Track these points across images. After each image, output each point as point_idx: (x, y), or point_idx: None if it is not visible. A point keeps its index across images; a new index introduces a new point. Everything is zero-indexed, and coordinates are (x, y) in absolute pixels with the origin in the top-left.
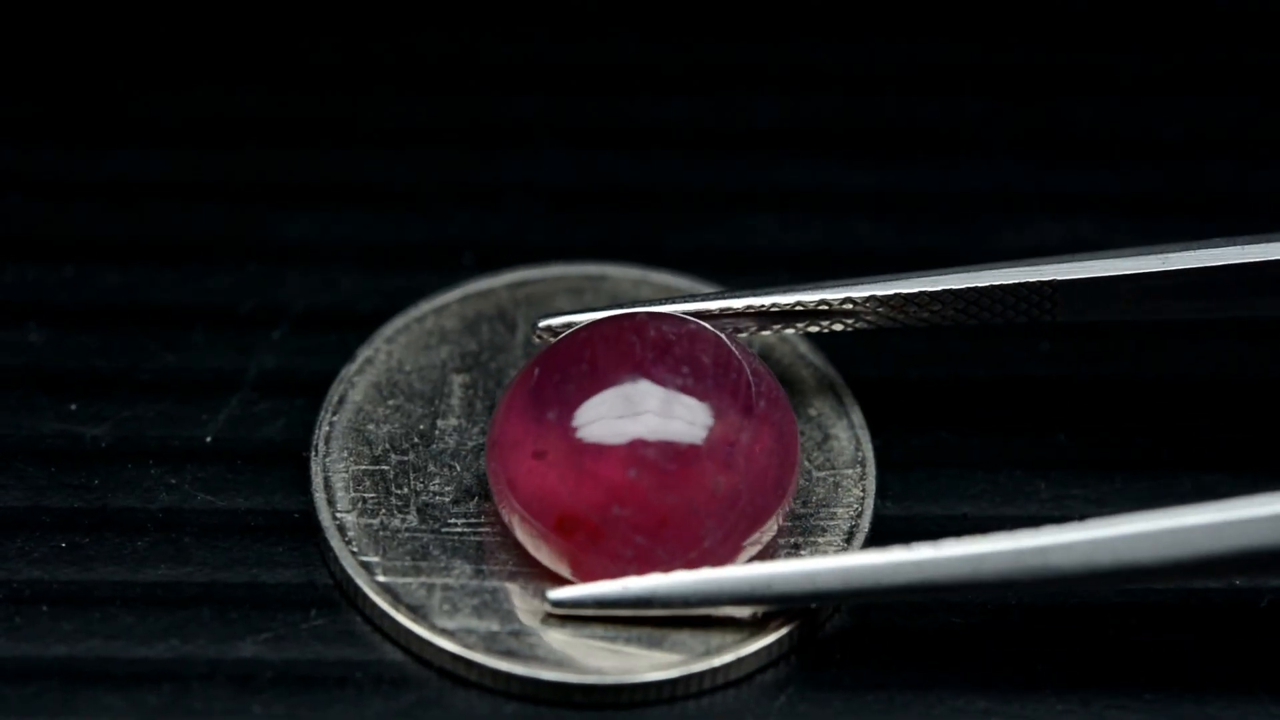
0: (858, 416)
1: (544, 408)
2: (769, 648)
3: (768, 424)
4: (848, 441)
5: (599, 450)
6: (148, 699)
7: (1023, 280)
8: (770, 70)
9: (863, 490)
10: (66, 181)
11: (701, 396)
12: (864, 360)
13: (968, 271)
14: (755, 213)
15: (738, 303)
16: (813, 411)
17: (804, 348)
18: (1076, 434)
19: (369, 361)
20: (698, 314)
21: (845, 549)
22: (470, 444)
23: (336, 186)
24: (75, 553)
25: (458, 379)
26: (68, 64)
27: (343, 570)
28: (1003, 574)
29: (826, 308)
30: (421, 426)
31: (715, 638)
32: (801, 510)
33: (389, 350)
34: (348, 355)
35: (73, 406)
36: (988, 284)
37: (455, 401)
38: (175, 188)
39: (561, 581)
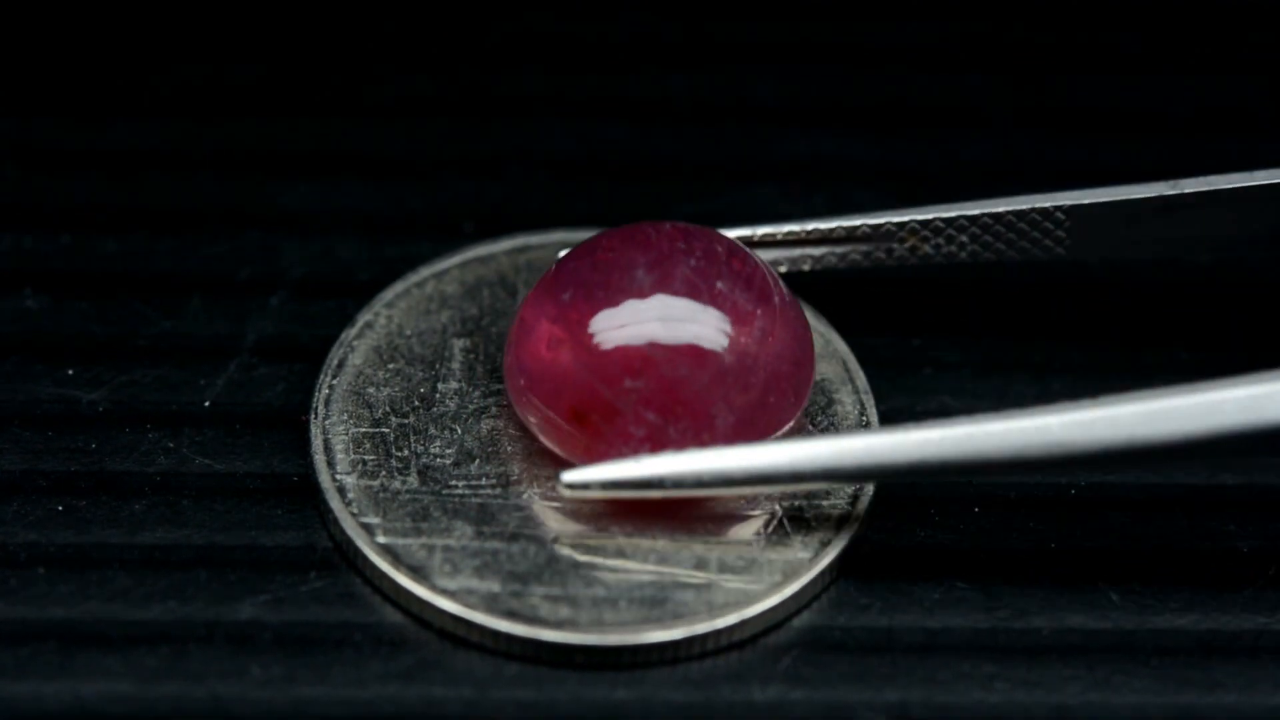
0: (861, 381)
1: (561, 290)
2: (773, 610)
3: (783, 318)
4: (852, 406)
5: (615, 327)
6: (145, 661)
7: (1033, 206)
8: (771, 43)
9: None
10: (64, 151)
11: (718, 280)
12: (868, 328)
13: (981, 201)
14: (756, 185)
15: (756, 230)
16: (817, 376)
17: (809, 314)
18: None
19: (369, 326)
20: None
21: (852, 506)
22: (471, 407)
23: (336, 155)
24: (72, 516)
25: (458, 343)
26: (66, 35)
27: (342, 532)
28: (1019, 451)
29: (845, 234)
30: (422, 390)
31: (719, 598)
32: None
33: (389, 315)
34: (347, 322)
35: (70, 372)
36: (1003, 209)
37: (456, 365)
38: (173, 157)
39: None
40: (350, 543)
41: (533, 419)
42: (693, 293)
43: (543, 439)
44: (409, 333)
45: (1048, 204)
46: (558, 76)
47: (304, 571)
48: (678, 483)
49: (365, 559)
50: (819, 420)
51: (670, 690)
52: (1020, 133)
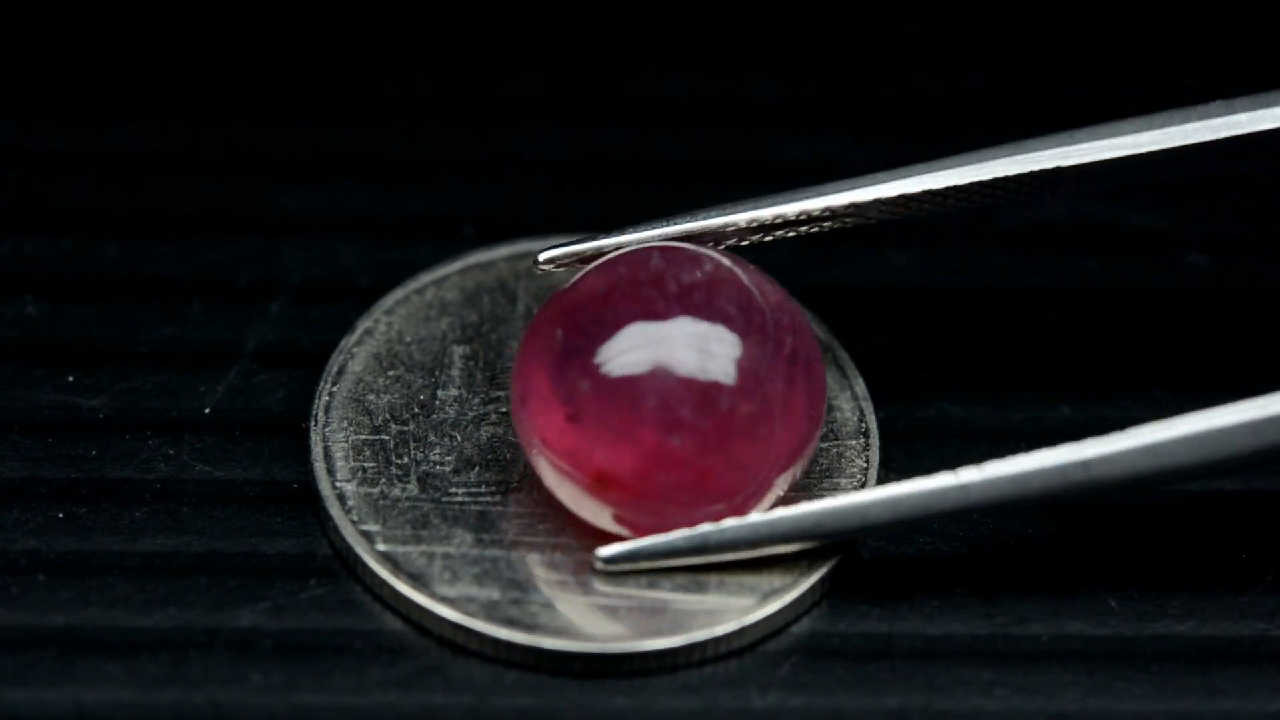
0: (861, 388)
1: (571, 366)
2: (771, 617)
3: (798, 360)
4: (851, 412)
5: (634, 413)
6: (146, 667)
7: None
8: (771, 43)
9: (866, 461)
10: (65, 155)
11: (731, 346)
12: (867, 332)
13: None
14: (757, 185)
15: (741, 217)
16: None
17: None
18: (1081, 405)
19: (368, 333)
20: (702, 233)
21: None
22: (471, 414)
23: (336, 159)
24: (72, 522)
25: (458, 350)
26: (66, 37)
27: (342, 539)
28: (1048, 488)
29: (830, 212)
30: (422, 397)
31: (718, 605)
32: (805, 481)
33: (389, 321)
34: (347, 327)
35: (70, 378)
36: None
37: (456, 372)
38: (173, 161)
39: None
40: (350, 550)
41: (555, 487)
42: (710, 367)
43: (568, 505)
44: (409, 339)
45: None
46: (558, 77)
47: (304, 579)
48: (719, 548)
49: (365, 566)
50: None
51: (670, 698)
52: (1020, 132)
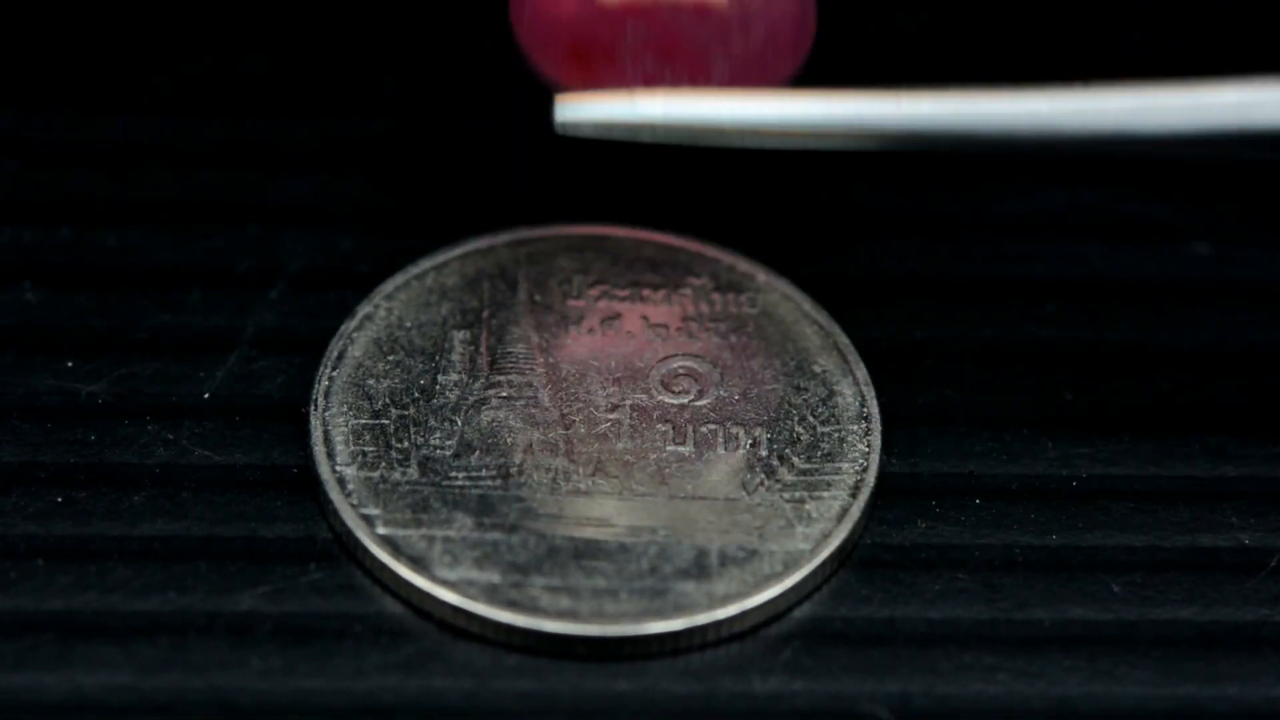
0: (862, 373)
1: None
2: (773, 601)
3: None
4: (853, 398)
5: None
6: (145, 652)
7: None
8: None
9: (868, 445)
10: (63, 143)
11: None
12: (869, 319)
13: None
14: (757, 176)
15: None
16: (818, 368)
17: (808, 306)
18: (1083, 393)
19: (368, 318)
20: None
21: (853, 498)
22: (471, 399)
23: (335, 147)
24: (72, 507)
25: (458, 335)
26: (64, 27)
27: (342, 523)
28: (1008, 129)
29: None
30: (422, 382)
31: (720, 589)
32: (806, 465)
33: (389, 307)
34: (347, 314)
35: (69, 364)
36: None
37: (456, 357)
38: (172, 149)
39: None
40: (350, 534)
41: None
42: None
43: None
44: (409, 325)
45: None
46: None
47: (304, 563)
48: (669, 124)
49: (365, 550)
50: (819, 412)
51: (671, 681)
52: None
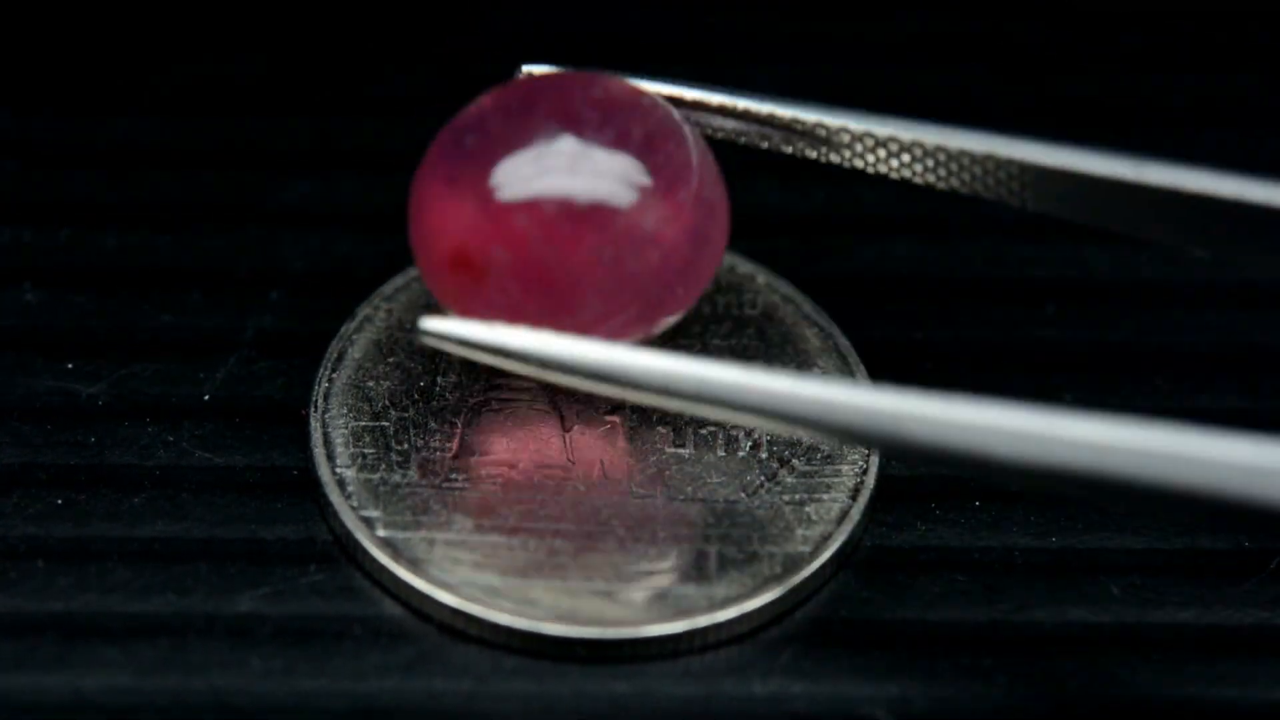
0: (862, 375)
1: (466, 135)
2: (773, 603)
3: (682, 215)
4: None
5: (501, 191)
6: (144, 653)
7: (990, 152)
8: (772, 43)
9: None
10: (64, 145)
11: (620, 167)
12: (868, 322)
13: (943, 130)
14: (757, 178)
15: (712, 97)
16: (818, 370)
17: (808, 307)
18: (1083, 396)
19: (368, 320)
20: (675, 100)
21: (853, 500)
22: (470, 401)
23: (335, 149)
24: (72, 509)
25: None
26: (64, 28)
27: (342, 525)
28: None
29: (800, 127)
30: (422, 383)
31: (720, 592)
32: (806, 468)
33: (389, 309)
34: (346, 316)
35: (69, 365)
36: (957, 148)
37: (455, 359)
38: (173, 151)
39: None
40: (350, 536)
41: (423, 269)
42: (590, 174)
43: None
44: (409, 326)
45: (1005, 153)
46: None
47: (304, 564)
48: (524, 357)
49: (365, 552)
50: None
51: (671, 684)
52: (1020, 127)
